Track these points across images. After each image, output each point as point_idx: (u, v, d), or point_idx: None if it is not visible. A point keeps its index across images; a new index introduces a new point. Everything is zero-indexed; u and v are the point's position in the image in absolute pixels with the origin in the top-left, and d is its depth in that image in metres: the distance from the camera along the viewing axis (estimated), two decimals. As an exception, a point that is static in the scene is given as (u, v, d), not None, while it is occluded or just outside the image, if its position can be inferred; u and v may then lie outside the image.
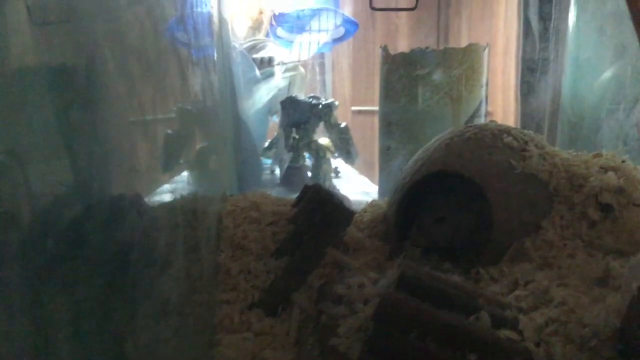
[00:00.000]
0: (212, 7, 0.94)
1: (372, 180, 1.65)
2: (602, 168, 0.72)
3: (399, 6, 2.19)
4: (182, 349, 0.57)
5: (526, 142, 0.75)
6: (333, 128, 1.48)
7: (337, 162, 1.77)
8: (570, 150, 0.81)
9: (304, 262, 0.70)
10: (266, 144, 1.72)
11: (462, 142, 0.76)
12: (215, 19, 0.97)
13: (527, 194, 0.70)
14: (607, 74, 0.94)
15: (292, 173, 1.44)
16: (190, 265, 0.62)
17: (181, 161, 0.71)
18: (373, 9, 1.35)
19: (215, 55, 0.96)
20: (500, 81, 1.70)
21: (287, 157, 1.53)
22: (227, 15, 1.11)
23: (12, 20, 0.38)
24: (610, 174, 0.71)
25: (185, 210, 0.64)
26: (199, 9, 0.84)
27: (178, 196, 0.64)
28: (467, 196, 0.74)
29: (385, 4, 2.25)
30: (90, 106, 0.47)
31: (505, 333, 0.51)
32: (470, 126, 0.79)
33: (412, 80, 1.08)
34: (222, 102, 1.02)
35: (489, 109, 1.66)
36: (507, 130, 0.77)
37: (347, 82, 2.53)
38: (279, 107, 1.50)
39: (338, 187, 1.53)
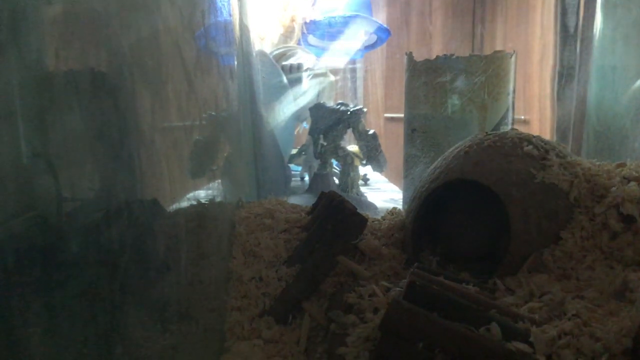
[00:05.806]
0: (233, 15, 0.95)
1: (401, 187, 1.64)
2: (624, 178, 0.70)
3: (433, 13, 2.18)
4: (191, 355, 0.57)
5: (547, 151, 0.73)
6: (361, 135, 1.47)
7: (366, 170, 1.76)
8: (595, 159, 0.79)
9: (315, 270, 0.69)
10: (294, 151, 1.72)
11: (481, 150, 0.75)
12: (236, 26, 0.98)
13: (546, 204, 0.69)
14: (638, 84, 0.92)
15: (318, 180, 1.44)
16: (201, 270, 0.62)
17: (201, 168, 0.72)
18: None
19: (236, 62, 0.97)
20: (537, 89, 1.67)
21: (315, 163, 1.52)
22: (248, 22, 1.12)
23: (41, 25, 0.39)
24: (633, 184, 0.68)
25: (198, 216, 0.64)
26: (221, 17, 0.85)
27: (193, 202, 0.65)
28: (485, 205, 0.73)
29: (420, 11, 2.25)
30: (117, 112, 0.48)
31: (515, 345, 0.50)
32: (490, 134, 0.78)
33: (435, 87, 1.06)
34: (241, 109, 1.02)
35: (527, 117, 1.64)
36: (527, 139, 0.75)
37: (380, 89, 2.52)
38: (308, 113, 1.50)
39: (366, 195, 1.52)
